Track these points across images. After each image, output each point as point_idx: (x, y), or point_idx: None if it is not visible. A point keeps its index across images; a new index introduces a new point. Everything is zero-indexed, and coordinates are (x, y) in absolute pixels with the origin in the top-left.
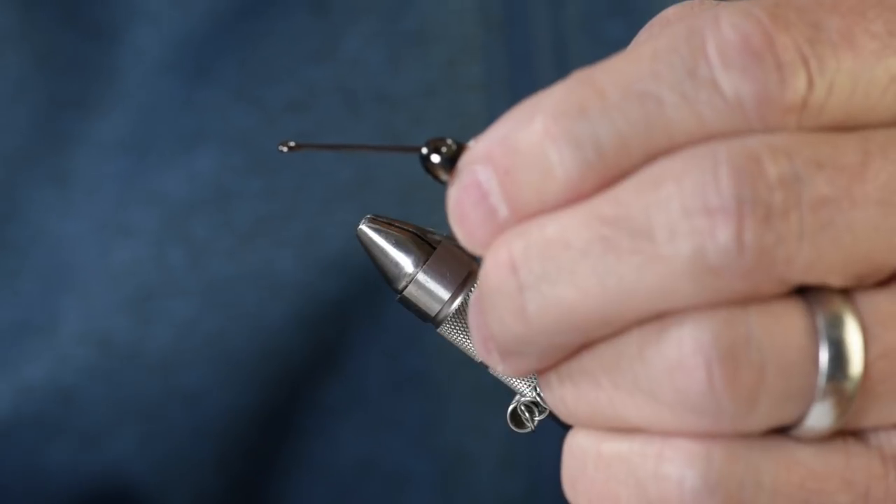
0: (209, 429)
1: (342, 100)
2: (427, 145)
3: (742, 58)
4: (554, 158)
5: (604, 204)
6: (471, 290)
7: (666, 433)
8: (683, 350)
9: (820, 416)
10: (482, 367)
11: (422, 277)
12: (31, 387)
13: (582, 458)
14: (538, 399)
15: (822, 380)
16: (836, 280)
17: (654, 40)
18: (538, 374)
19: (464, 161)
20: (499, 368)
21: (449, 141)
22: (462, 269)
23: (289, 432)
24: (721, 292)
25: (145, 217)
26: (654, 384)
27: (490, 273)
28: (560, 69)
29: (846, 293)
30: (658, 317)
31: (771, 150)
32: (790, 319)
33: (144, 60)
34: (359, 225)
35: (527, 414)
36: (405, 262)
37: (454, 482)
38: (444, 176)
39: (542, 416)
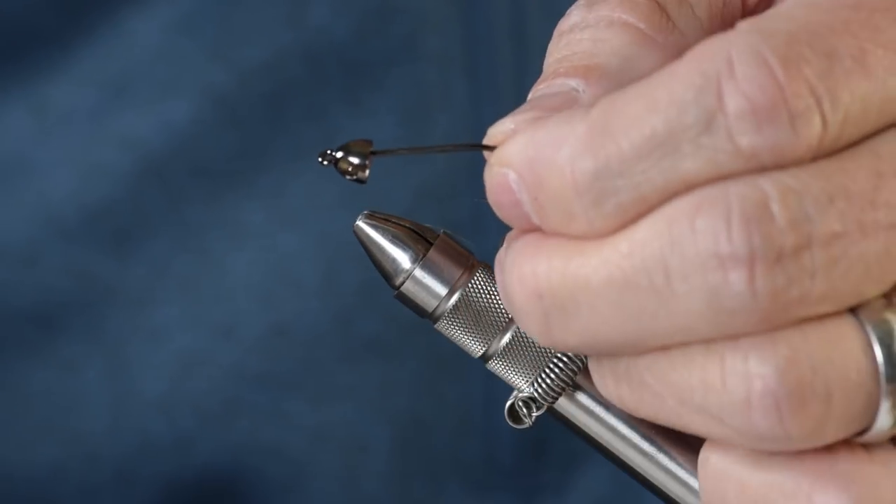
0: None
1: (308, 65)
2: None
3: (756, 113)
4: (577, 210)
5: (622, 243)
6: (468, 287)
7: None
8: (752, 388)
9: (884, 420)
10: (439, 335)
11: (419, 273)
12: (10, 317)
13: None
14: (535, 395)
15: (882, 384)
16: (857, 300)
17: (669, 83)
18: (591, 367)
19: (495, 159)
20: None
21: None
22: (459, 265)
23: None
24: (738, 328)
25: (120, 159)
26: (721, 412)
27: (517, 294)
28: (518, 46)
29: (888, 296)
30: (707, 341)
31: (781, 191)
32: (846, 341)
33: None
34: (356, 221)
35: (524, 410)
36: (402, 257)
37: (410, 448)
38: None
39: (539, 412)
